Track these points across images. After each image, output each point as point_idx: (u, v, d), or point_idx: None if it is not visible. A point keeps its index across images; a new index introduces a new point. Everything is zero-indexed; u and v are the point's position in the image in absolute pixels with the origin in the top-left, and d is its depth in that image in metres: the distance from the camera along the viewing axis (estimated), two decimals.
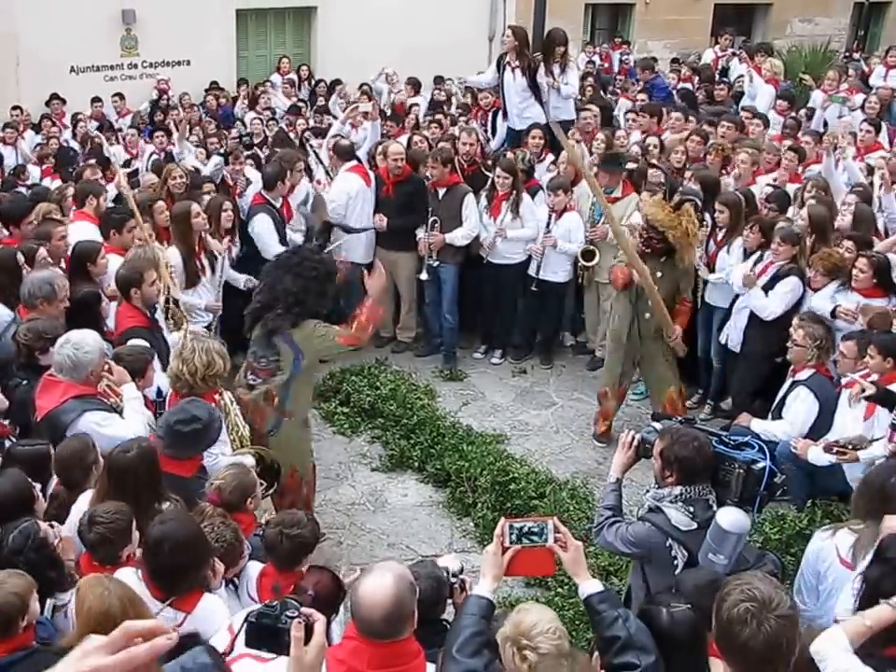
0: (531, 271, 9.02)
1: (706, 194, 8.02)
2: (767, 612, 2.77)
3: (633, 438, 4.68)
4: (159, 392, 5.72)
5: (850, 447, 5.95)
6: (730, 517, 4.12)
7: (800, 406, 6.51)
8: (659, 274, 7.27)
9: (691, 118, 10.84)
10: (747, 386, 7.73)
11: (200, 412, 4.77)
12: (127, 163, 11.26)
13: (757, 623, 2.76)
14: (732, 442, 4.53)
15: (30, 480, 4.25)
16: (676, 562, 4.40)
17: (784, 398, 6.68)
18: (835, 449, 6.00)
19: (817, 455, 6.26)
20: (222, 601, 3.96)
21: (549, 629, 3.18)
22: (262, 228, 8.32)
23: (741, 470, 4.38)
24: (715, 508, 4.34)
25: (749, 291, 7.35)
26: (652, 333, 7.46)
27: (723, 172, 9.08)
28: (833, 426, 6.42)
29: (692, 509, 4.35)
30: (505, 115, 10.62)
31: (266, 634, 2.68)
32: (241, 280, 8.12)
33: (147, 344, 5.77)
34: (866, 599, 3.64)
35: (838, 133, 9.48)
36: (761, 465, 4.38)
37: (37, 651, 3.32)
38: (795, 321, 6.69)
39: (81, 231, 7.06)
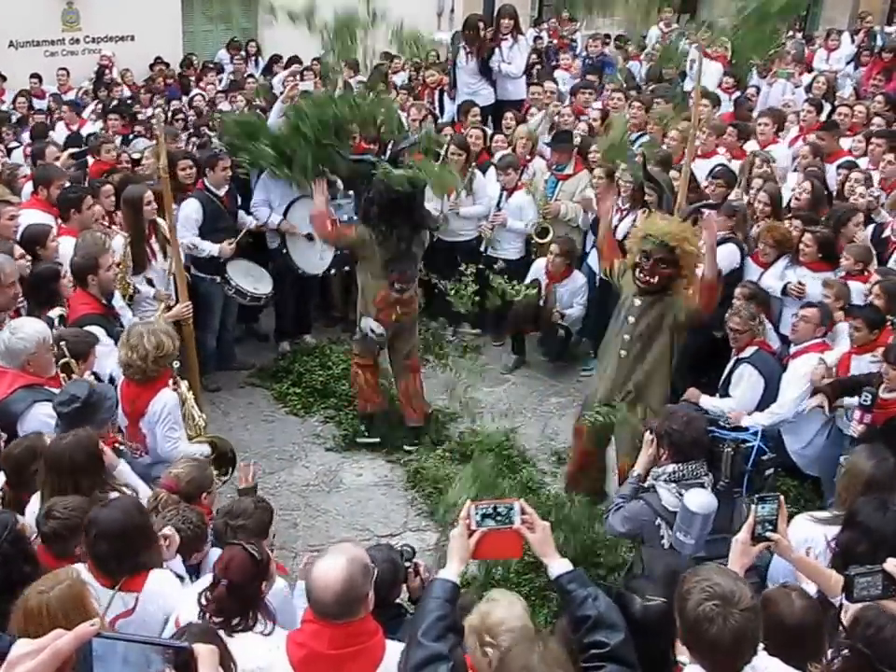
0: (481, 248, 9.06)
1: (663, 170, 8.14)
2: (731, 608, 2.79)
3: (653, 438, 4.79)
4: (111, 379, 5.63)
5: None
6: (697, 499, 4.24)
7: (745, 384, 6.66)
8: (643, 325, 6.09)
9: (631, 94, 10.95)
10: (686, 358, 7.74)
11: (78, 390, 4.74)
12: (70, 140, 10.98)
13: (723, 619, 2.78)
14: (728, 426, 4.68)
15: None
16: (663, 541, 4.54)
17: (730, 375, 6.81)
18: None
19: (750, 423, 6.39)
20: (171, 575, 3.90)
21: (514, 627, 3.21)
22: (182, 214, 7.88)
23: (730, 449, 4.52)
24: (709, 489, 4.46)
25: None
26: None
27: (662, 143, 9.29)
28: (777, 397, 6.59)
29: (683, 491, 4.46)
30: (451, 94, 10.66)
31: None
32: (214, 249, 7.97)
33: (103, 331, 5.71)
34: (840, 565, 3.75)
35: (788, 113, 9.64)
36: (749, 444, 4.52)
37: None
38: (729, 312, 6.81)
39: (31, 218, 6.86)
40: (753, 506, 3.55)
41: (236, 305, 8.58)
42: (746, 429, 4.69)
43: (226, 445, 5.80)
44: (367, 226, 7.20)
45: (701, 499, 4.24)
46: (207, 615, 3.53)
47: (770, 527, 3.54)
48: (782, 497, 3.63)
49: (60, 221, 6.98)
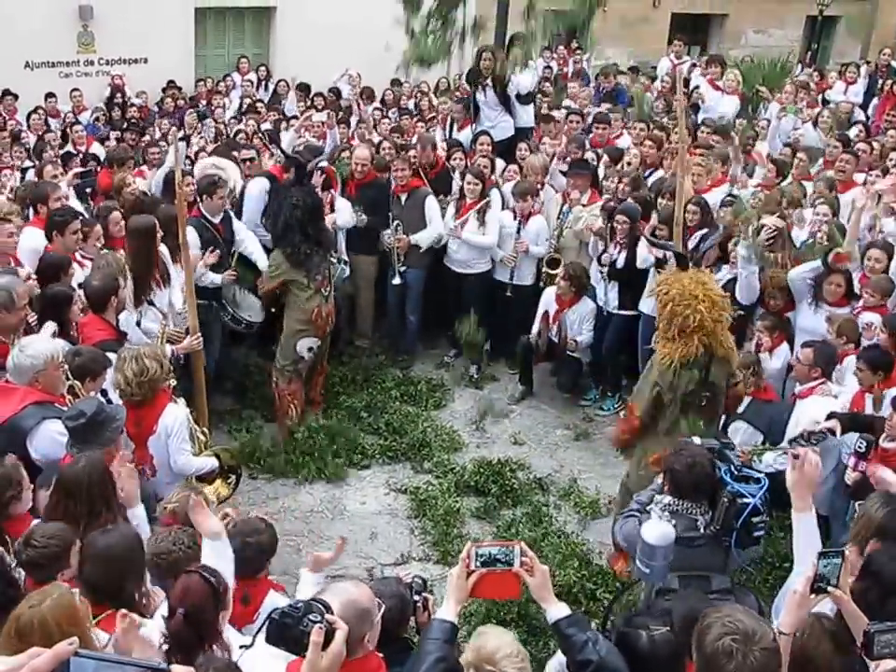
0: (504, 277, 9.04)
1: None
2: (752, 645, 2.75)
3: None
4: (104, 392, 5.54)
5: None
6: (654, 531, 4.17)
7: (741, 439, 6.62)
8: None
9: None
10: None
11: (86, 407, 4.76)
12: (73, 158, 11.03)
13: (742, 655, 2.73)
14: (738, 472, 4.55)
15: None
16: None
17: (726, 427, 6.76)
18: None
19: (763, 462, 6.39)
20: (146, 631, 3.65)
21: (511, 652, 3.18)
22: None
23: (726, 499, 4.44)
24: (702, 530, 4.41)
25: None
26: None
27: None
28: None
29: (674, 522, 4.40)
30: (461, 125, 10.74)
31: (287, 633, 2.67)
32: (217, 279, 7.82)
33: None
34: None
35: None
36: (744, 500, 4.40)
37: None
38: None
39: (31, 237, 6.81)
40: (815, 560, 3.38)
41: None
42: (757, 481, 4.56)
43: (228, 457, 5.85)
44: (280, 248, 7.68)
45: (658, 531, 4.17)
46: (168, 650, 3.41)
47: (831, 582, 3.36)
48: (847, 552, 3.51)
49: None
